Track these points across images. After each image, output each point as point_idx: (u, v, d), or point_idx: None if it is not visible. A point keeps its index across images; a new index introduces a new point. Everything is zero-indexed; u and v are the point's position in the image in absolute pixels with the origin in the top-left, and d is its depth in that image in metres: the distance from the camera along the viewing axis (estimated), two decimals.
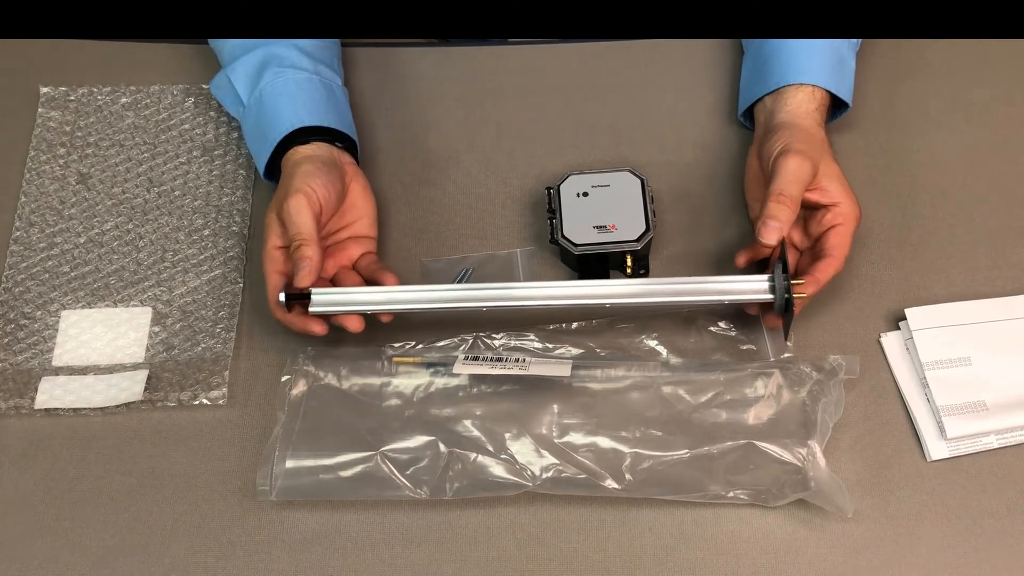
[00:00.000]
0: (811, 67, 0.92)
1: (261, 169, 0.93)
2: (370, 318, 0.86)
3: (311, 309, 0.84)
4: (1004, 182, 0.97)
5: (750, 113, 0.97)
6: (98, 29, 1.05)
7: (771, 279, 0.84)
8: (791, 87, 0.92)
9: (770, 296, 0.84)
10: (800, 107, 0.91)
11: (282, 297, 0.84)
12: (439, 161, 1.00)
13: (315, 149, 0.90)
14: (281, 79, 0.93)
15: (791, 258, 0.87)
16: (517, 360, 0.85)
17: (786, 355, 0.87)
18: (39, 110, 1.03)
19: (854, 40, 0.96)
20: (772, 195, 0.83)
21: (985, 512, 0.81)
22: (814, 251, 0.87)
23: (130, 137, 1.02)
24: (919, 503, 0.81)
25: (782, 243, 0.83)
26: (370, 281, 0.89)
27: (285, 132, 0.90)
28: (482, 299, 0.85)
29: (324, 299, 0.85)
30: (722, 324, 0.89)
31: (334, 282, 0.89)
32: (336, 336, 0.90)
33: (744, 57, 1.00)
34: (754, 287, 0.84)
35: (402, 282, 0.89)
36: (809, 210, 0.88)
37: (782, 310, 0.83)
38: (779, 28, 0.93)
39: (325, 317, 0.86)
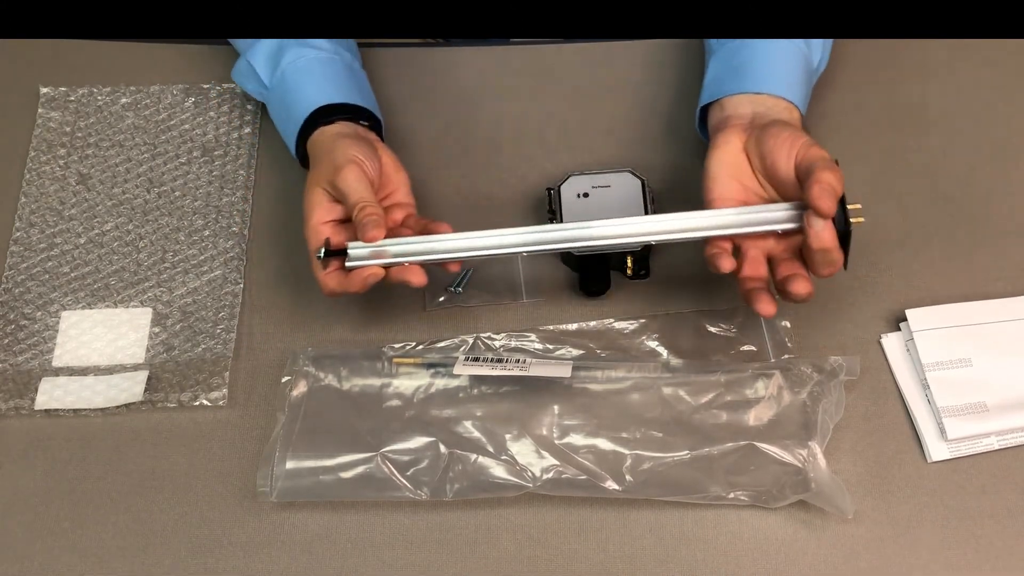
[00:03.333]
0: (799, 96, 0.90)
1: (292, 149, 0.93)
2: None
3: (348, 264, 0.82)
4: (1004, 182, 0.97)
5: (704, 114, 0.93)
6: (98, 29, 1.05)
7: (796, 206, 0.80)
8: (784, 101, 0.88)
9: (791, 225, 0.80)
10: (798, 123, 0.88)
11: (321, 253, 0.82)
12: (439, 162, 1.00)
13: (341, 128, 0.90)
14: (303, 59, 0.93)
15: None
16: (517, 361, 0.85)
17: (786, 356, 0.87)
18: (39, 110, 1.03)
19: (819, 71, 0.95)
20: (824, 163, 0.79)
21: (985, 513, 0.81)
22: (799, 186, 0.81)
23: (130, 137, 1.02)
24: (919, 504, 0.81)
25: (836, 163, 0.79)
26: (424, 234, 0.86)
27: (311, 109, 0.90)
28: (522, 243, 0.82)
29: (360, 252, 0.82)
30: (722, 325, 0.89)
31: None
32: (338, 336, 0.90)
33: (712, 59, 0.96)
34: (780, 215, 0.81)
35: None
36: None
37: (844, 237, 0.79)
38: (779, 28, 0.92)
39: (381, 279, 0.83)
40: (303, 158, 0.92)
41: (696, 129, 0.95)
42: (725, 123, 0.88)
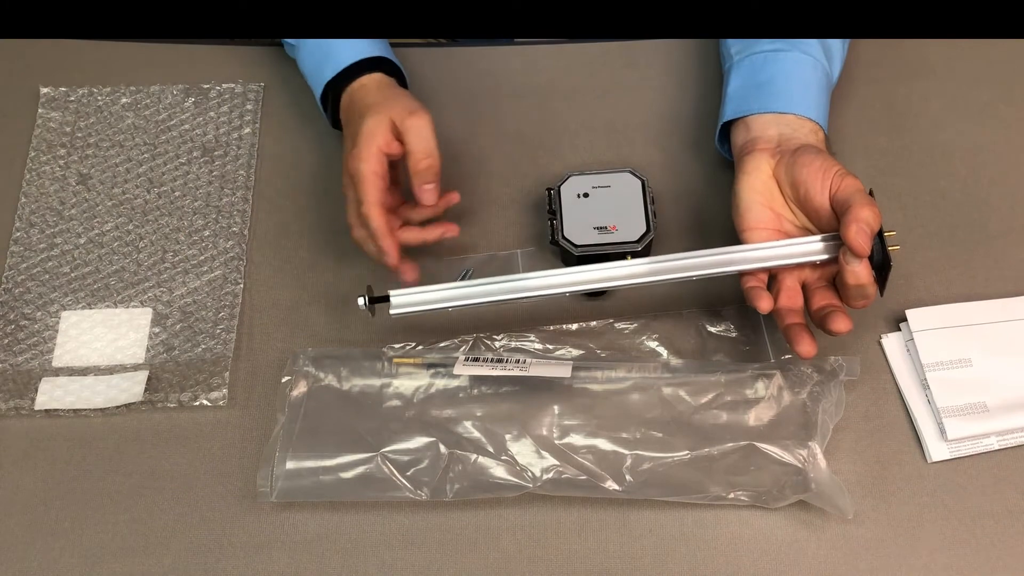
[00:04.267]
0: (822, 115, 0.90)
1: (318, 92, 0.95)
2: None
3: (392, 311, 0.84)
4: (1004, 182, 0.97)
5: (725, 130, 0.94)
6: (98, 29, 1.05)
7: (831, 237, 0.82)
8: (809, 122, 0.89)
9: (827, 256, 0.82)
10: (822, 143, 0.89)
11: (361, 302, 0.84)
12: (440, 160, 1.00)
13: (389, 79, 0.93)
14: None
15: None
16: (517, 361, 0.85)
17: (786, 356, 0.87)
18: (39, 110, 1.03)
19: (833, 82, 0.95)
20: (861, 197, 0.79)
21: (985, 514, 0.81)
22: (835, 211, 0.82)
23: (130, 138, 1.02)
24: (919, 504, 0.81)
25: (870, 193, 0.80)
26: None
27: (361, 57, 0.93)
28: (563, 284, 0.84)
29: (403, 300, 0.84)
30: (722, 325, 0.89)
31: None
32: (338, 336, 0.90)
33: (733, 71, 0.95)
34: (816, 247, 0.82)
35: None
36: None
37: (881, 265, 0.80)
38: (780, 28, 0.92)
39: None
40: (334, 102, 0.94)
41: (715, 143, 0.95)
42: (752, 145, 0.88)
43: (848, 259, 0.78)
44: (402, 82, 0.96)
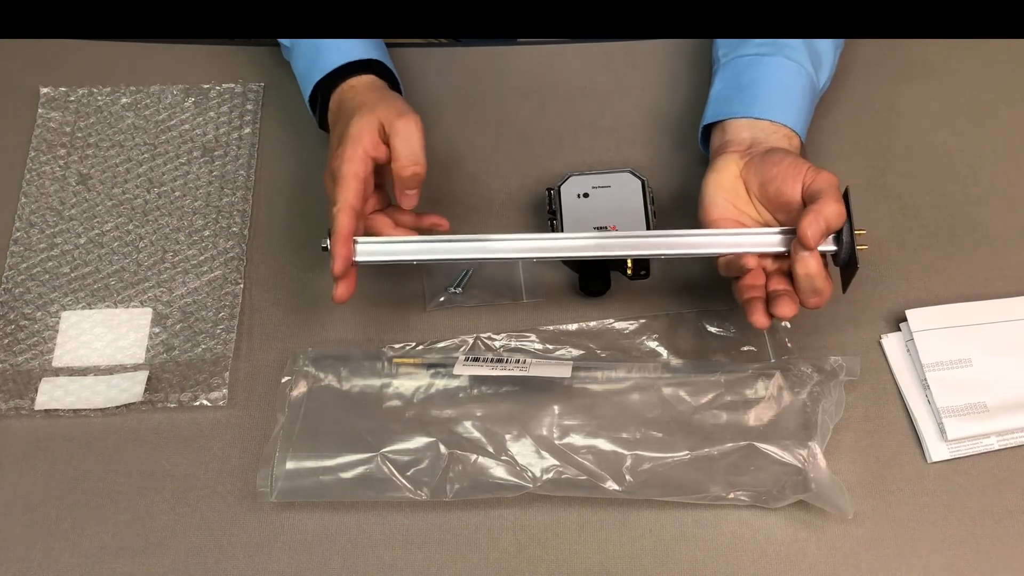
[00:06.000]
0: (801, 123, 0.91)
1: (307, 92, 0.94)
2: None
3: (356, 259, 0.83)
4: (1004, 182, 0.97)
5: (707, 130, 0.94)
6: (98, 29, 1.05)
7: (787, 230, 0.82)
8: (784, 128, 0.89)
9: (781, 249, 0.82)
10: (797, 149, 0.89)
11: (325, 244, 0.82)
12: (439, 162, 1.00)
13: (381, 82, 0.92)
14: None
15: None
16: (517, 361, 0.85)
17: (786, 356, 0.87)
18: (39, 110, 1.03)
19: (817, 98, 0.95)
20: (832, 192, 0.80)
21: (985, 514, 0.81)
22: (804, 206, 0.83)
23: (130, 138, 1.02)
24: (919, 504, 0.82)
25: (847, 191, 0.81)
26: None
27: (351, 59, 0.92)
28: (525, 250, 0.84)
29: (367, 248, 0.83)
30: (722, 325, 0.89)
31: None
32: (338, 336, 0.90)
33: (718, 72, 0.96)
34: (772, 239, 0.82)
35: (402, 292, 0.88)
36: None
37: (847, 263, 0.81)
38: (780, 28, 0.92)
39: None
40: (323, 103, 0.93)
41: (699, 144, 0.96)
42: (724, 148, 0.89)
43: (797, 249, 0.79)
44: (395, 86, 0.95)
